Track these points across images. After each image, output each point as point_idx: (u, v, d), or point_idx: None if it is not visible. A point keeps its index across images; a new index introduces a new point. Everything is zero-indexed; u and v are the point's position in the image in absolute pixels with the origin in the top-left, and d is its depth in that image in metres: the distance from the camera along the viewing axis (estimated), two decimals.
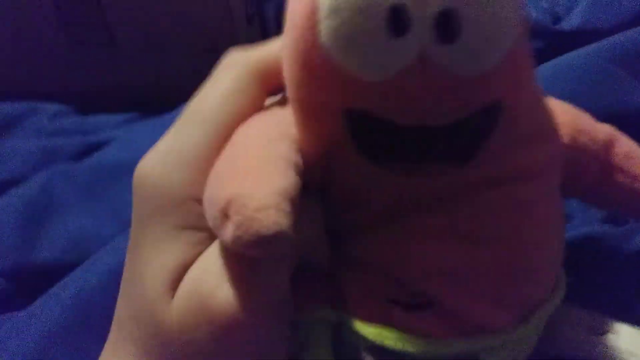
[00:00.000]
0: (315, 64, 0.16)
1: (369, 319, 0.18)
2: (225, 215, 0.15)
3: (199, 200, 0.17)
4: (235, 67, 0.20)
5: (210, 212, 0.16)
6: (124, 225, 0.31)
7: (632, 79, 0.37)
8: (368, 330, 0.18)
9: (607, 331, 0.22)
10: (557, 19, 0.44)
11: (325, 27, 0.15)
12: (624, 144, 0.23)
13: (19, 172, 0.35)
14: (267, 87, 0.20)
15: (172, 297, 0.18)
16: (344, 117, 0.17)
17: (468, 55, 0.15)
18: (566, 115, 0.22)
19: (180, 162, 0.18)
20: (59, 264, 0.30)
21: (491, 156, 0.17)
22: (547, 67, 0.38)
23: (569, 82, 0.36)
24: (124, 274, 0.19)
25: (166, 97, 0.40)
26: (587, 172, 0.22)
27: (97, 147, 0.38)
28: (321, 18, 0.15)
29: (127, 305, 0.19)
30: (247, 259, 0.17)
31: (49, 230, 0.31)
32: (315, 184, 0.18)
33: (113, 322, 0.20)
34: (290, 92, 0.18)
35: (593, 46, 0.38)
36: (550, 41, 0.42)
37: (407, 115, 0.16)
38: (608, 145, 0.22)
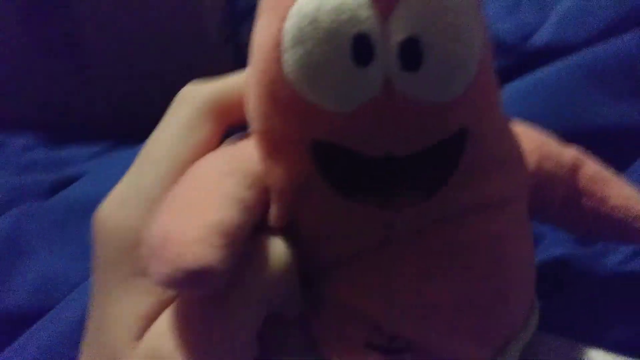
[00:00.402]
0: (281, 95, 0.16)
1: None
2: (154, 252, 0.15)
3: None
4: (190, 102, 0.19)
5: (145, 251, 0.16)
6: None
7: (602, 95, 0.37)
8: None
9: (582, 359, 0.22)
10: (527, 35, 0.44)
11: (289, 58, 0.15)
12: (589, 167, 0.23)
13: None
14: (225, 122, 0.20)
15: (134, 346, 0.17)
16: (310, 149, 0.16)
17: (433, 83, 0.15)
18: (532, 142, 0.22)
19: (135, 206, 0.18)
20: (25, 312, 0.29)
21: (460, 185, 0.17)
22: (518, 84, 0.38)
23: (540, 100, 0.36)
24: (87, 321, 0.19)
25: (141, 121, 0.40)
26: (554, 198, 0.22)
27: (67, 182, 0.37)
28: (285, 49, 0.15)
29: (91, 354, 0.19)
30: (201, 316, 0.16)
31: (15, 277, 0.30)
32: (284, 222, 0.18)
33: None
34: (255, 124, 0.18)
35: (563, 62, 0.38)
36: (521, 58, 0.42)
37: (373, 146, 0.16)
38: (574, 169, 0.22)
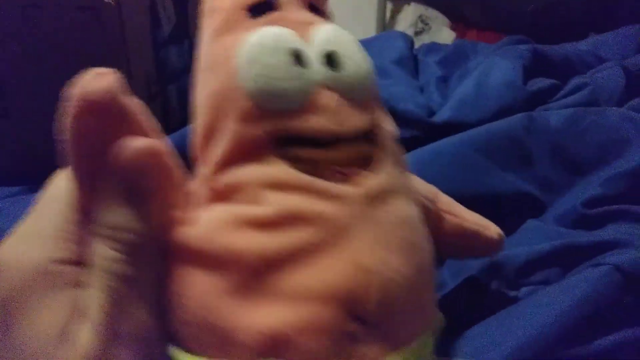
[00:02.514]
0: (238, 105, 0.19)
1: None
2: None
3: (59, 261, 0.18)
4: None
5: None
6: None
7: (491, 165, 0.42)
8: None
9: None
10: (431, 113, 0.50)
11: (245, 74, 0.19)
12: (443, 196, 0.28)
13: None
14: None
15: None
16: (274, 142, 0.19)
17: (350, 83, 0.20)
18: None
19: (39, 236, 0.19)
20: None
21: (381, 168, 0.21)
22: (421, 152, 0.42)
23: (440, 167, 0.41)
24: None
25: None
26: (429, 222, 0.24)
27: None
28: (240, 69, 0.19)
29: None
30: None
31: None
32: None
33: None
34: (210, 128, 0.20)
35: (459, 136, 0.43)
36: (426, 130, 0.47)
37: (324, 130, 0.20)
38: (434, 199, 0.27)
